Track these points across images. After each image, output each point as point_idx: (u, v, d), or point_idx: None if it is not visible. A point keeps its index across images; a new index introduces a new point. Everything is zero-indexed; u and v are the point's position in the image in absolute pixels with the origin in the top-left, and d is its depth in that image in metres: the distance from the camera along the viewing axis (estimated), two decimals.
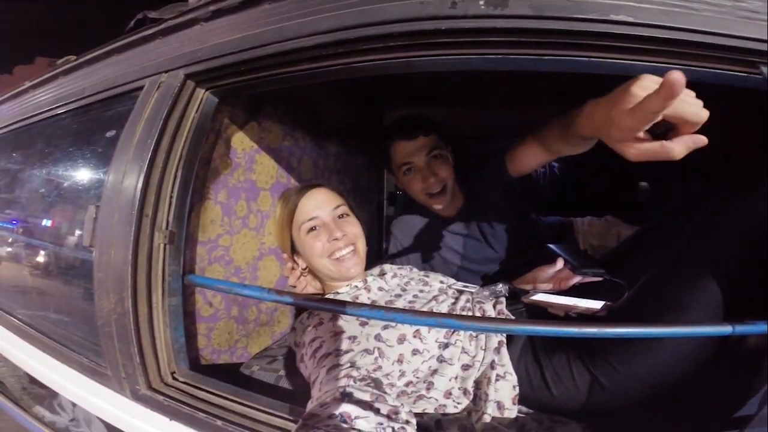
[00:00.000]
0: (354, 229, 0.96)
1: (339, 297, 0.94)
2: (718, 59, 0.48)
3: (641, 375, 0.74)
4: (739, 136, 1.05)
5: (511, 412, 0.76)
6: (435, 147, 1.18)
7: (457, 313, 0.89)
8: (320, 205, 0.95)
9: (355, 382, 0.60)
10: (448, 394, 0.79)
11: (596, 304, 0.77)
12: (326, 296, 0.98)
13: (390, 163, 1.25)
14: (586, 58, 0.52)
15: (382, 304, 0.91)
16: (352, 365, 0.66)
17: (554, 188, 2.21)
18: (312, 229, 0.93)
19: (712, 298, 0.72)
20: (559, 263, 0.90)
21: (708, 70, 0.49)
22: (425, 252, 1.30)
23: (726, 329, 0.52)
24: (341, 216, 0.96)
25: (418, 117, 1.23)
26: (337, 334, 0.77)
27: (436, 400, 0.78)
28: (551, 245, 0.93)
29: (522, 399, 0.78)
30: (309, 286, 1.02)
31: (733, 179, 0.81)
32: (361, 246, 0.97)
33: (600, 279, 0.83)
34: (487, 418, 0.73)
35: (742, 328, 0.52)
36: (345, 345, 0.74)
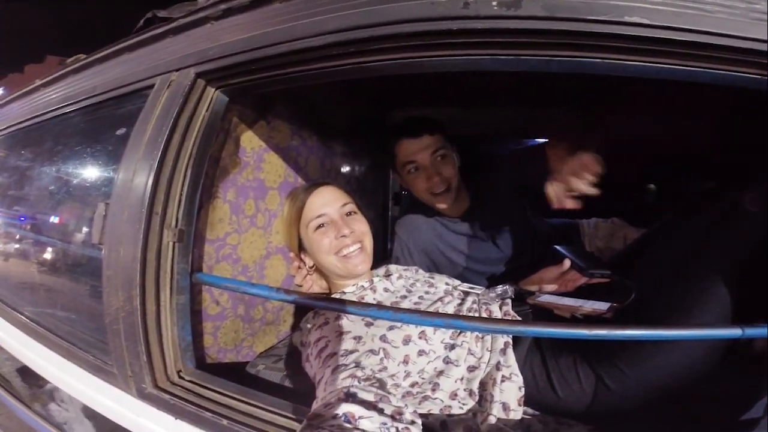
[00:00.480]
0: (361, 226, 0.97)
1: (345, 297, 0.94)
2: (732, 61, 0.47)
3: (649, 377, 0.73)
4: (750, 139, 1.04)
5: (517, 413, 0.75)
6: (440, 147, 1.18)
7: (464, 314, 0.89)
8: (328, 202, 0.95)
9: (359, 382, 0.60)
10: (453, 396, 0.79)
11: (603, 306, 0.77)
12: (332, 296, 0.98)
13: (395, 162, 1.25)
14: (599, 60, 0.51)
15: (388, 305, 0.91)
16: (357, 365, 0.66)
17: None
18: (320, 226, 0.93)
19: (720, 301, 0.71)
20: (566, 264, 0.90)
21: (722, 72, 0.48)
22: (430, 252, 1.30)
23: (735, 332, 0.51)
24: (349, 213, 0.97)
25: (423, 117, 1.23)
26: (343, 334, 0.77)
27: (442, 401, 0.77)
28: (558, 247, 0.93)
29: (527, 400, 0.78)
30: (315, 285, 1.02)
31: (741, 181, 0.80)
32: (369, 243, 0.97)
33: (607, 281, 0.83)
34: (492, 420, 0.73)
35: (751, 332, 0.51)
36: (350, 345, 0.75)
